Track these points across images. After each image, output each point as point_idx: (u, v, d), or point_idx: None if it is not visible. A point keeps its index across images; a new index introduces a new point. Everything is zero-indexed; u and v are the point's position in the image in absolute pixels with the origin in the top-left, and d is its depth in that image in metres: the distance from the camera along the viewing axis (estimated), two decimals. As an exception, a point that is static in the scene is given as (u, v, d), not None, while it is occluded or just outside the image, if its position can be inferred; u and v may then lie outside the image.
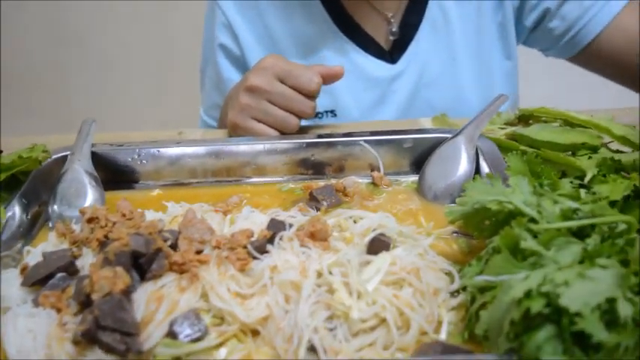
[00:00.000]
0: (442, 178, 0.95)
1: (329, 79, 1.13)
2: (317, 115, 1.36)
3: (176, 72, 2.83)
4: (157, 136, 1.13)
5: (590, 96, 1.69)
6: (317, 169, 1.04)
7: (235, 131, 1.14)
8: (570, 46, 1.39)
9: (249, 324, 0.70)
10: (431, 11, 1.37)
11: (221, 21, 1.43)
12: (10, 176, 0.94)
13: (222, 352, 0.69)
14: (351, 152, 1.03)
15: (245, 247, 0.77)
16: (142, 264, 0.74)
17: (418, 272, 0.73)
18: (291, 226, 0.81)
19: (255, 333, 0.71)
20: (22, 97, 2.91)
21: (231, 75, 1.45)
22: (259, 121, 1.12)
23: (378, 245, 0.76)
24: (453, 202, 0.93)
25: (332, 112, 1.37)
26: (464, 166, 0.95)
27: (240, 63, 1.44)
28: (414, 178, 1.01)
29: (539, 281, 0.60)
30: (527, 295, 0.59)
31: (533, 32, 1.43)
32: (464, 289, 0.74)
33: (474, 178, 0.92)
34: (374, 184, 1.00)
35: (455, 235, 0.86)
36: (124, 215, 0.83)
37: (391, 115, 1.38)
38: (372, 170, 1.02)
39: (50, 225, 0.94)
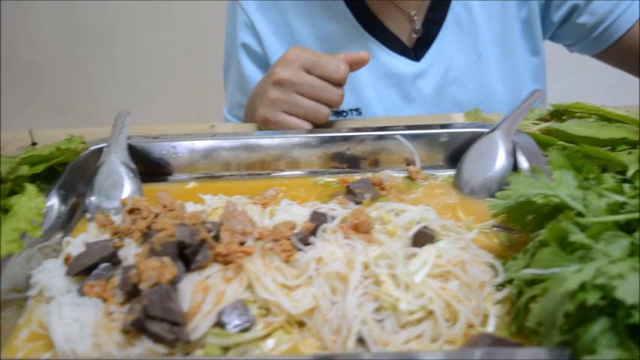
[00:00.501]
0: (479, 173, 0.95)
1: (355, 65, 1.13)
2: (342, 113, 1.35)
3: (196, 70, 2.84)
4: (189, 129, 1.13)
5: (610, 93, 1.67)
6: (351, 162, 1.04)
7: (267, 126, 1.14)
8: (599, 41, 1.38)
9: (296, 315, 0.70)
10: (454, 8, 1.37)
11: (243, 20, 1.43)
12: (47, 168, 0.94)
13: (270, 343, 0.69)
14: (386, 146, 1.03)
15: (289, 238, 0.77)
16: (187, 254, 0.74)
17: (464, 265, 0.72)
18: (333, 218, 0.81)
19: (300, 324, 0.71)
20: (46, 93, 2.91)
21: (254, 74, 1.45)
22: (290, 114, 1.12)
23: (422, 238, 0.76)
24: (490, 196, 0.93)
25: (357, 110, 1.37)
26: (501, 160, 0.95)
27: (263, 62, 1.44)
28: (450, 172, 1.01)
29: (593, 274, 0.59)
30: (582, 287, 0.59)
31: (561, 27, 1.43)
32: (508, 282, 0.74)
33: (512, 173, 0.92)
34: (410, 178, 1.00)
35: (495, 229, 0.85)
36: (165, 207, 0.83)
37: (416, 113, 1.38)
38: (408, 164, 1.02)
39: (88, 216, 0.94)
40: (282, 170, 1.06)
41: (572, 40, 1.45)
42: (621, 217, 0.68)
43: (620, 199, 0.71)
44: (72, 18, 2.88)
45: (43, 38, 2.91)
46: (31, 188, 0.84)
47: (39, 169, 0.91)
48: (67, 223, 0.92)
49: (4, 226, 0.78)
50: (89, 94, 2.92)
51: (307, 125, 1.12)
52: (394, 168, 1.02)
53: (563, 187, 0.74)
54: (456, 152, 1.01)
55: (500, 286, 0.74)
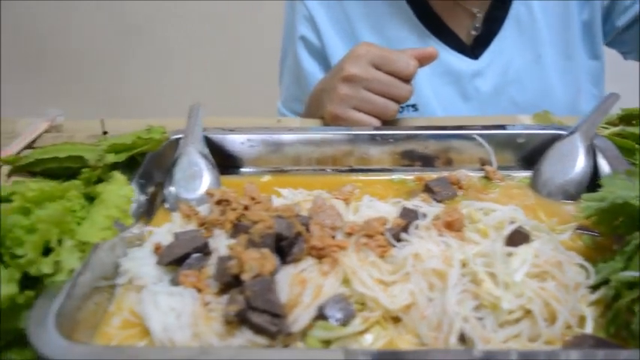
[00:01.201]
0: (559, 175, 0.95)
1: (424, 60, 1.13)
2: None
3: (242, 67, 2.85)
4: (253, 122, 1.14)
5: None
6: (424, 161, 1.04)
7: (335, 122, 1.15)
8: None
9: (393, 311, 0.70)
10: (516, 7, 1.37)
11: (303, 14, 1.43)
12: (128, 157, 0.94)
13: (368, 337, 0.69)
14: (460, 145, 1.03)
15: (382, 234, 0.77)
16: (283, 247, 0.74)
17: (561, 265, 0.72)
18: (424, 215, 0.81)
19: (395, 320, 0.71)
20: (88, 83, 2.93)
21: (311, 67, 1.45)
22: (359, 110, 1.13)
23: (517, 237, 0.76)
24: (568, 199, 0.94)
25: (413, 106, 1.37)
26: (581, 163, 0.95)
27: (321, 55, 1.44)
28: (524, 173, 1.01)
29: None
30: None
31: (624, 33, 1.42)
32: (600, 284, 0.73)
33: (595, 177, 0.92)
34: (487, 177, 1.00)
35: (579, 232, 0.85)
36: (252, 199, 0.84)
37: (474, 112, 1.37)
38: (482, 164, 1.02)
39: (166, 206, 0.94)
40: (351, 166, 1.06)
41: (632, 47, 1.44)
42: None
43: None
44: (117, 8, 2.90)
45: (87, 28, 2.93)
46: (119, 176, 0.84)
47: (122, 157, 0.92)
48: (147, 212, 0.93)
49: (96, 213, 0.79)
50: (130, 87, 2.93)
51: (376, 121, 1.12)
52: (468, 167, 1.02)
53: (663, 190, 0.74)
54: (531, 154, 1.01)
55: (592, 288, 0.74)
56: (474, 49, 1.38)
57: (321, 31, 1.42)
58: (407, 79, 1.11)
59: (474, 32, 1.37)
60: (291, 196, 0.92)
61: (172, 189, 0.95)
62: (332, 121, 1.15)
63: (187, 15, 2.88)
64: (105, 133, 1.13)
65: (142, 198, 0.93)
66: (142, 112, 2.35)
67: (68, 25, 2.94)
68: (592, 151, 0.96)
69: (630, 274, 0.68)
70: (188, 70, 2.92)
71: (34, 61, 2.97)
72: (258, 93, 2.15)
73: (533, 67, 1.39)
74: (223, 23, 2.88)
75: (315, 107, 1.24)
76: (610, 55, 1.49)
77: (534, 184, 0.97)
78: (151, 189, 0.96)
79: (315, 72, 1.42)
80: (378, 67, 1.11)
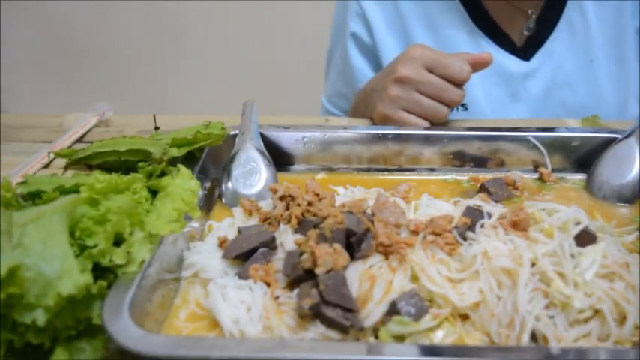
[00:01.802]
0: (615, 178, 0.95)
1: (478, 66, 1.13)
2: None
3: (278, 63, 2.88)
4: (303, 122, 1.14)
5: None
6: (477, 162, 1.04)
7: (385, 122, 1.15)
8: None
9: (462, 308, 0.71)
10: (569, 10, 1.37)
11: (355, 10, 1.44)
12: (188, 152, 0.95)
13: (439, 334, 0.70)
14: (512, 147, 1.03)
15: (450, 232, 0.77)
16: (352, 243, 0.74)
17: (628, 266, 0.73)
18: (489, 214, 0.81)
19: (463, 318, 0.72)
20: (130, 83, 2.95)
21: (361, 64, 1.45)
22: (409, 111, 1.13)
23: (585, 238, 0.76)
24: (623, 202, 0.94)
25: (463, 105, 1.37)
26: (637, 167, 0.95)
27: (372, 53, 1.45)
28: (578, 176, 1.01)
29: None
30: None
31: None
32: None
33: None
34: (541, 179, 1.00)
35: (637, 233, 0.85)
36: (316, 195, 0.84)
37: (523, 113, 1.38)
38: (535, 166, 1.02)
39: (224, 201, 0.95)
40: (401, 166, 1.06)
41: None
42: None
43: None
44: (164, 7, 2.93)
45: (134, 27, 2.96)
46: (184, 170, 0.85)
47: (183, 152, 0.93)
48: (205, 208, 0.93)
49: (162, 206, 0.80)
50: (176, 85, 2.94)
51: (425, 124, 1.12)
52: (520, 169, 1.02)
53: None
54: (585, 157, 1.02)
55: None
56: (526, 50, 1.38)
57: (373, 28, 1.43)
58: (460, 84, 1.12)
59: (526, 33, 1.37)
60: (349, 194, 0.93)
61: (230, 185, 0.95)
62: (381, 121, 1.15)
63: (229, 14, 2.90)
64: (157, 128, 1.14)
65: (200, 193, 0.93)
66: (188, 110, 2.37)
67: (114, 24, 2.97)
68: (649, 156, 0.96)
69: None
70: (228, 69, 2.93)
71: (77, 60, 2.99)
72: (299, 91, 2.16)
73: (585, 71, 1.40)
74: (264, 23, 2.90)
75: (364, 106, 1.24)
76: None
77: (589, 187, 0.97)
78: (207, 184, 0.97)
79: (364, 69, 1.43)
80: (431, 70, 1.11)
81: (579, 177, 1.00)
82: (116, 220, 0.72)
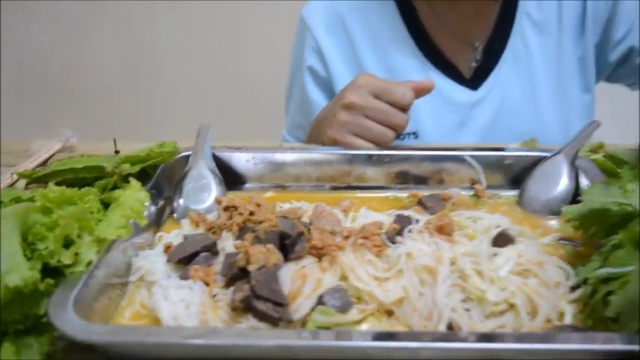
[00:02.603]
0: (543, 193, 1.01)
1: (420, 92, 1.19)
2: (399, 136, 1.42)
3: (245, 94, 2.97)
4: (256, 146, 1.20)
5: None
6: (418, 180, 1.10)
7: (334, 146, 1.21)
8: None
9: (387, 304, 0.76)
10: (513, 42, 1.45)
11: (311, 46, 1.51)
12: (141, 168, 1.01)
13: (364, 327, 0.75)
14: (452, 166, 1.09)
15: (378, 235, 0.83)
16: (286, 245, 0.80)
17: (542, 265, 0.78)
18: (417, 220, 0.87)
19: (389, 314, 0.77)
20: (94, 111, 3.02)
21: (317, 97, 1.52)
22: (357, 136, 1.19)
23: (503, 239, 0.82)
24: (552, 214, 1.00)
25: (414, 133, 1.44)
26: (564, 182, 1.01)
27: (327, 86, 1.51)
28: (512, 192, 1.07)
29: (676, 266, 0.66)
30: (666, 276, 0.65)
31: (620, 68, 1.50)
32: (579, 286, 0.79)
33: (577, 195, 0.98)
34: (476, 196, 1.06)
35: (561, 242, 0.91)
36: (258, 205, 0.90)
37: (472, 139, 1.44)
38: (473, 183, 1.08)
39: (175, 216, 1.00)
40: (349, 184, 1.12)
41: (633, 80, 1.53)
42: (694, 225, 0.74)
43: (692, 208, 0.77)
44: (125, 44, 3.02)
45: (98, 59, 3.05)
46: (135, 182, 0.91)
47: (136, 168, 0.98)
48: (156, 222, 0.98)
49: (112, 214, 0.85)
50: (137, 117, 3.01)
51: (372, 147, 1.19)
52: (459, 186, 1.08)
53: (635, 197, 0.80)
54: (518, 174, 1.08)
55: (572, 288, 0.80)
56: (473, 80, 1.45)
57: (328, 62, 1.50)
58: (404, 109, 1.18)
59: (473, 64, 1.45)
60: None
61: (181, 201, 1.01)
62: (331, 145, 1.21)
63: (194, 44, 3.00)
64: (117, 152, 1.19)
65: (153, 208, 0.99)
66: (153, 138, 2.44)
67: (80, 55, 3.06)
68: (575, 171, 1.02)
69: (606, 271, 0.74)
70: (196, 100, 3.00)
71: (48, 91, 3.07)
72: (264, 122, 2.22)
73: (529, 99, 1.47)
74: (230, 54, 2.99)
75: (317, 133, 1.31)
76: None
77: (521, 202, 1.03)
78: (160, 202, 1.02)
79: (320, 102, 1.50)
80: (377, 97, 1.18)
81: (512, 193, 1.06)
82: (65, 224, 0.77)
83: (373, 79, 1.19)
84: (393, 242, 0.83)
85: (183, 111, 2.86)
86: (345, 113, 1.19)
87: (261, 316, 0.72)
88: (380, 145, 1.18)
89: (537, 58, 1.47)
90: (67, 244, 0.78)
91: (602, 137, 1.20)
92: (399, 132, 1.19)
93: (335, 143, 1.21)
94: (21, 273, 0.69)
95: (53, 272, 0.76)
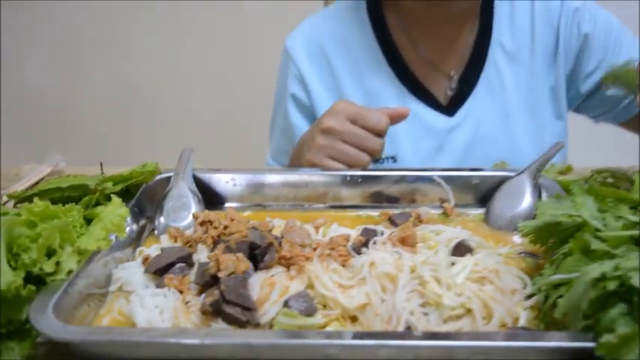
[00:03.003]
0: (508, 210, 1.06)
1: (395, 119, 1.25)
2: (379, 160, 1.47)
3: (229, 121, 3.05)
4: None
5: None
6: (391, 200, 1.15)
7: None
8: (627, 110, 1.52)
9: (350, 309, 0.80)
10: (487, 71, 1.51)
11: (294, 74, 1.58)
12: (124, 187, 1.06)
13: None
14: (423, 187, 1.14)
15: (344, 246, 0.88)
16: (256, 255, 0.85)
17: (498, 272, 0.83)
18: (382, 233, 0.92)
19: (353, 320, 0.81)
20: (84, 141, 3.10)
21: (300, 123, 1.58)
22: (334, 159, 1.24)
23: (462, 249, 0.87)
24: (516, 230, 1.04)
25: (393, 158, 1.49)
26: (527, 199, 1.06)
27: (309, 113, 1.57)
28: (480, 211, 1.12)
29: (613, 267, 0.70)
30: (603, 277, 0.70)
31: (589, 99, 1.57)
32: (535, 294, 0.84)
33: (540, 201, 1.03)
34: (445, 214, 1.11)
35: (522, 254, 0.96)
36: (232, 219, 0.95)
37: (448, 164, 1.49)
38: (442, 202, 1.13)
39: (156, 233, 1.05)
40: (326, 203, 1.17)
41: (600, 111, 1.59)
42: (636, 232, 0.79)
43: (635, 219, 0.82)
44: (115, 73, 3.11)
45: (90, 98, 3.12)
46: (116, 199, 0.95)
47: (118, 187, 1.03)
48: (138, 239, 1.03)
49: (93, 227, 0.90)
50: (126, 146, 3.08)
51: (348, 170, 1.24)
52: (429, 205, 1.13)
53: (585, 209, 0.85)
54: (485, 193, 1.13)
55: (529, 296, 0.84)
56: (450, 107, 1.51)
57: (310, 89, 1.56)
58: (380, 134, 1.24)
59: (449, 92, 1.51)
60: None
61: (162, 219, 1.06)
62: (310, 167, 1.27)
63: (183, 74, 3.12)
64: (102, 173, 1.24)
65: (134, 227, 1.04)
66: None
67: (73, 90, 3.15)
68: (537, 190, 1.07)
69: (557, 277, 0.78)
70: (184, 128, 3.07)
71: (41, 122, 3.17)
72: (248, 149, 2.28)
73: (503, 125, 1.53)
74: (218, 84, 3.09)
75: (297, 157, 1.36)
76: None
77: (487, 219, 1.08)
78: (142, 221, 1.07)
79: (302, 127, 1.55)
80: (353, 122, 1.23)
81: (480, 211, 1.11)
82: (48, 235, 0.82)
83: (350, 106, 1.25)
84: (359, 253, 0.88)
85: (171, 140, 2.91)
86: (323, 137, 1.25)
87: (230, 320, 0.77)
88: (356, 167, 1.24)
89: (510, 87, 1.53)
90: (50, 254, 0.83)
91: (573, 161, 1.26)
92: (375, 156, 1.25)
93: (313, 166, 1.26)
94: (5, 278, 0.74)
95: (36, 281, 0.81)
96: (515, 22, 1.54)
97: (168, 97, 3.14)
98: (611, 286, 0.68)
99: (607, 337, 0.66)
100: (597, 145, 1.43)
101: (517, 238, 1.03)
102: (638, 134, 1.59)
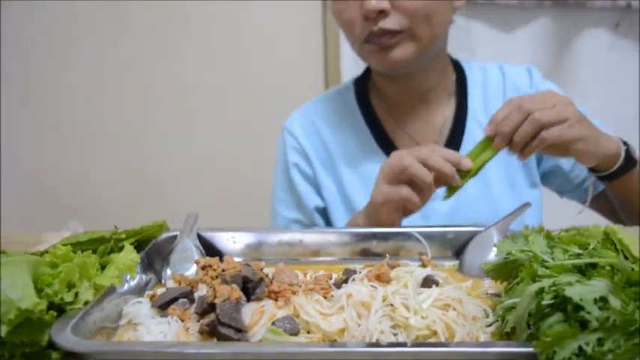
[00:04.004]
0: (478, 259, 1.18)
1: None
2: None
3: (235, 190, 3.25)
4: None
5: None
6: (376, 255, 1.27)
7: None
8: (582, 193, 1.66)
9: (330, 333, 0.91)
10: (466, 145, 1.66)
11: (292, 145, 1.73)
12: (135, 241, 1.19)
13: (310, 349, 0.90)
14: (406, 243, 1.27)
15: (327, 282, 1.00)
16: (248, 287, 0.97)
17: (461, 301, 0.95)
18: (361, 272, 1.04)
19: (332, 342, 0.92)
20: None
21: (305, 189, 1.72)
22: (402, 199, 1.37)
23: (429, 282, 0.99)
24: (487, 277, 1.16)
25: None
26: (495, 251, 1.18)
27: (313, 181, 1.72)
28: (455, 262, 1.24)
29: (551, 283, 0.82)
30: (541, 291, 0.82)
31: (551, 175, 1.71)
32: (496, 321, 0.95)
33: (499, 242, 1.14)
34: (423, 265, 1.23)
35: (488, 294, 1.07)
36: (229, 263, 1.07)
37: None
38: (421, 255, 1.25)
39: (162, 282, 1.17)
40: (318, 257, 1.29)
41: (563, 188, 1.73)
42: (578, 261, 0.91)
43: (578, 251, 0.94)
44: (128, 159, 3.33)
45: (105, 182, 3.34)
46: (128, 246, 1.09)
47: (130, 240, 1.16)
48: (144, 289, 1.15)
49: (108, 269, 1.03)
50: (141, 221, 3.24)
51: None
52: (410, 259, 1.25)
53: (535, 245, 0.98)
54: (460, 247, 1.25)
55: (490, 325, 0.95)
56: None
57: (311, 160, 1.72)
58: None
59: None
60: (262, 272, 1.15)
61: (168, 270, 1.18)
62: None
63: (194, 153, 3.33)
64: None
65: (143, 277, 1.16)
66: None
67: (89, 173, 3.38)
68: (505, 241, 1.19)
69: (510, 301, 0.90)
70: (196, 200, 3.20)
71: (59, 200, 3.38)
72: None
73: (484, 193, 1.66)
74: (221, 151, 3.28)
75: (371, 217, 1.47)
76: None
77: (461, 268, 1.20)
78: (150, 274, 1.20)
79: (309, 194, 1.70)
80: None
81: (455, 262, 1.23)
82: (68, 270, 0.95)
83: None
84: (339, 288, 1.00)
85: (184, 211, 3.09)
86: (385, 185, 1.38)
87: (224, 339, 0.88)
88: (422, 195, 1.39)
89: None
90: (69, 287, 0.95)
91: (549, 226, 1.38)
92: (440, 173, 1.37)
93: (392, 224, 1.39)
94: (31, 300, 0.87)
95: (57, 310, 0.93)
96: (489, 102, 1.71)
97: (178, 182, 3.34)
98: (548, 297, 0.80)
99: (543, 337, 0.77)
100: (572, 212, 1.54)
101: (487, 283, 1.14)
102: (603, 216, 1.72)
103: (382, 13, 1.49)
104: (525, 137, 1.30)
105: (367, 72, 1.79)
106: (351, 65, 2.79)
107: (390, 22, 1.50)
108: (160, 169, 3.34)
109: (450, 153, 1.38)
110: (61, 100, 3.31)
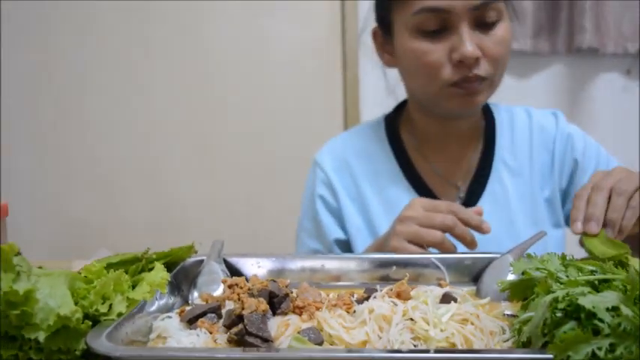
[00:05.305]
0: (495, 285, 1.21)
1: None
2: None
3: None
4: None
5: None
6: (395, 281, 1.31)
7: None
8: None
9: (352, 345, 0.96)
10: (492, 183, 1.72)
11: (320, 178, 1.80)
12: (164, 263, 1.24)
13: (333, 359, 0.94)
14: (425, 270, 1.30)
15: (349, 298, 1.04)
16: (274, 302, 1.01)
17: (479, 317, 0.98)
18: (382, 289, 1.08)
19: (355, 354, 0.96)
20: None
21: (328, 221, 1.78)
22: (412, 242, 1.44)
23: (448, 298, 1.03)
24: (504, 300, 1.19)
25: None
26: (512, 275, 1.22)
27: (337, 214, 1.78)
28: (472, 287, 1.27)
29: (564, 293, 0.86)
30: (555, 300, 0.85)
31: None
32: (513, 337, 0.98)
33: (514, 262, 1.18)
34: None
35: (505, 315, 1.11)
36: (254, 283, 1.12)
37: None
38: (439, 281, 1.29)
39: (190, 304, 1.22)
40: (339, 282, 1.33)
41: None
42: (591, 277, 0.95)
43: (592, 268, 0.98)
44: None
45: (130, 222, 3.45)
46: (159, 265, 1.14)
47: (160, 261, 1.21)
48: (172, 309, 1.19)
49: (140, 285, 1.08)
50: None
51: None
52: (429, 284, 1.29)
53: (550, 263, 1.02)
54: (477, 273, 1.28)
55: (507, 340, 0.99)
56: None
57: (337, 194, 1.78)
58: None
59: (458, 201, 1.71)
60: (286, 293, 1.20)
61: (195, 292, 1.23)
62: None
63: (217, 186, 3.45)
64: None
65: (172, 298, 1.21)
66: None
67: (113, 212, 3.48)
68: (522, 267, 1.23)
69: (526, 315, 0.94)
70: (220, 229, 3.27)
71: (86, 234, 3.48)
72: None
73: (508, 230, 1.71)
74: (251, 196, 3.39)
75: (380, 247, 1.54)
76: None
77: (478, 293, 1.24)
78: (177, 297, 1.24)
79: (331, 226, 1.75)
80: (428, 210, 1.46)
81: (472, 287, 1.27)
82: (103, 284, 1.00)
83: (424, 199, 1.50)
84: (361, 304, 1.04)
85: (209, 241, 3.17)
86: (400, 225, 1.45)
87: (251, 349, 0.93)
88: (435, 246, 1.45)
89: (513, 197, 1.73)
90: (104, 299, 1.00)
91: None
92: (450, 232, 1.44)
93: (396, 251, 1.44)
94: (69, 307, 0.92)
95: (92, 321, 0.98)
96: (516, 143, 1.77)
97: (203, 214, 3.43)
98: (562, 305, 0.84)
99: (557, 342, 0.80)
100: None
101: (504, 305, 1.18)
102: None
103: (476, 60, 1.57)
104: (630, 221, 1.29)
105: (398, 109, 1.86)
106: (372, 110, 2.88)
107: (482, 70, 1.59)
108: (186, 201, 3.46)
109: (474, 217, 1.46)
110: (88, 134, 3.44)
